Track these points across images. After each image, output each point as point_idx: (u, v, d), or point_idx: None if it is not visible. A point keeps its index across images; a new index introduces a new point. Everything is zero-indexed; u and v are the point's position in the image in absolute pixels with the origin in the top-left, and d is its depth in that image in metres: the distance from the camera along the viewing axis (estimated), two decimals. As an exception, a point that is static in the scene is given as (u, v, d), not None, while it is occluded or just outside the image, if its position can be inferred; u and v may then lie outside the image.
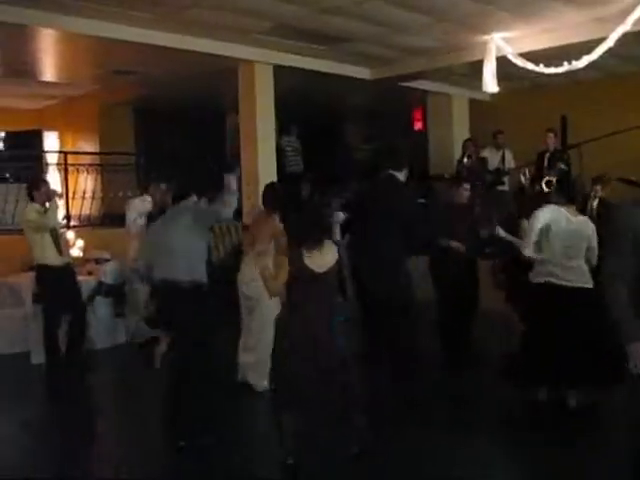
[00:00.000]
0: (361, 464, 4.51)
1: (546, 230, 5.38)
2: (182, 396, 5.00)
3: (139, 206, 7.87)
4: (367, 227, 5.96)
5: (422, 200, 10.51)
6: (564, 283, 5.33)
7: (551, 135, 10.28)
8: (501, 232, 6.31)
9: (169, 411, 5.07)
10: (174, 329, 5.44)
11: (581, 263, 5.40)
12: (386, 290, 5.76)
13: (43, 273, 7.06)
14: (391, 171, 6.13)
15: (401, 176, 6.15)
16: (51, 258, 6.99)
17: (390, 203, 5.92)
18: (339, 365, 4.48)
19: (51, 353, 7.08)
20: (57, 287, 7.02)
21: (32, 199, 7.04)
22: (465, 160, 10.81)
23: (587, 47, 8.18)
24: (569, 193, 5.54)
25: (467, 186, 7.11)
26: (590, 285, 5.35)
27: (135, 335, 8.03)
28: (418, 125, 14.12)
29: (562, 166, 9.78)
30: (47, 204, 7.01)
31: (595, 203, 7.89)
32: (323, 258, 4.42)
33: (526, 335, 5.58)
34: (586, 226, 5.47)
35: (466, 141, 11.25)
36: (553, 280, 5.35)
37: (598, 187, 8.02)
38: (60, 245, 7.09)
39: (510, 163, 11.19)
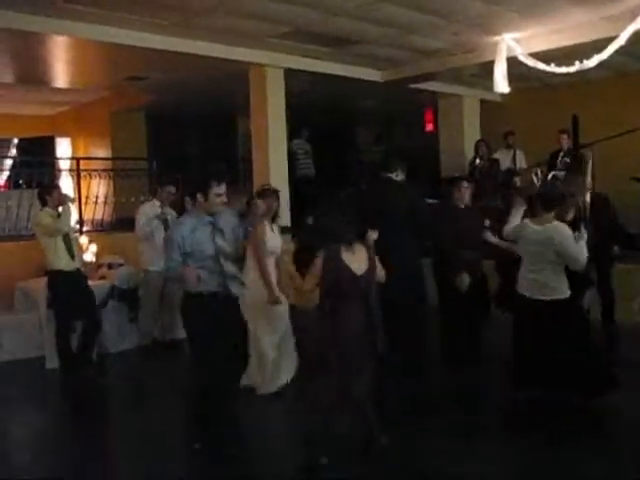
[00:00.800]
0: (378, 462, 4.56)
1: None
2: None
3: (148, 211, 7.93)
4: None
5: (432, 201, 10.56)
6: (536, 297, 5.37)
7: (564, 136, 10.23)
8: (490, 237, 6.36)
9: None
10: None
11: (545, 274, 5.34)
12: (401, 289, 5.76)
13: (56, 278, 7.09)
14: (387, 174, 6.31)
15: (396, 177, 6.31)
16: (64, 263, 7.03)
17: (390, 202, 6.10)
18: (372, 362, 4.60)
19: (64, 358, 7.12)
20: (70, 292, 7.06)
21: (44, 204, 7.09)
22: (477, 162, 10.78)
23: (598, 46, 8.17)
24: (546, 201, 5.46)
25: (466, 184, 6.80)
26: (560, 296, 5.32)
27: (158, 336, 8.07)
28: (429, 126, 14.12)
29: (567, 160, 9.75)
30: (60, 209, 7.06)
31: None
32: (357, 259, 4.50)
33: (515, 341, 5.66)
34: (553, 233, 5.31)
35: (478, 142, 11.22)
36: (527, 294, 5.43)
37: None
38: (73, 250, 7.12)
39: (522, 163, 11.16)
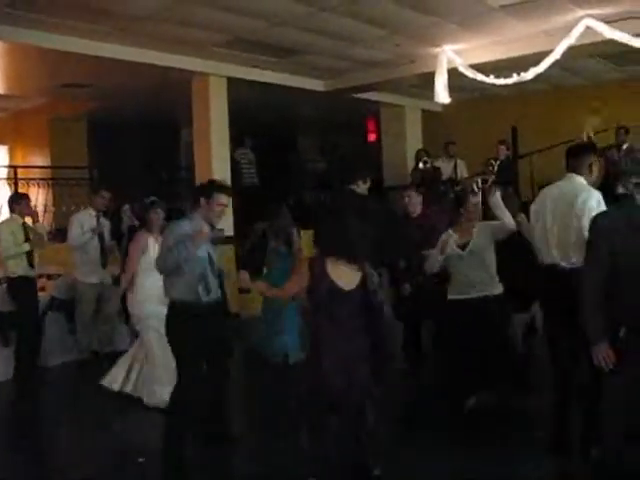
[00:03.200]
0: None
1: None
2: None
3: (82, 220, 7.79)
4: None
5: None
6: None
7: (502, 147, 10.44)
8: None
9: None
10: None
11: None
12: None
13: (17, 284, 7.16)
14: (350, 186, 6.22)
15: (359, 189, 6.24)
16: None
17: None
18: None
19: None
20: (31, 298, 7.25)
21: (12, 211, 7.27)
22: (420, 165, 10.80)
23: (535, 59, 8.38)
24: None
25: (410, 193, 6.85)
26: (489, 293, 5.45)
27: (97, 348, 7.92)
28: (371, 136, 14.23)
29: (492, 162, 9.91)
30: (26, 218, 7.28)
31: None
32: (347, 274, 4.15)
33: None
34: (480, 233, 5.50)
35: (419, 151, 11.34)
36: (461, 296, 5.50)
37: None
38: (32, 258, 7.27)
39: (463, 173, 11.33)
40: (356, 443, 4.23)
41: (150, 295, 6.00)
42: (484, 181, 8.57)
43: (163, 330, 5.06)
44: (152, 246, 6.12)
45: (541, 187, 5.33)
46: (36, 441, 5.74)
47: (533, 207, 4.71)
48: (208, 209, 4.85)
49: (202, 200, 4.86)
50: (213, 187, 4.96)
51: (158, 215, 6.31)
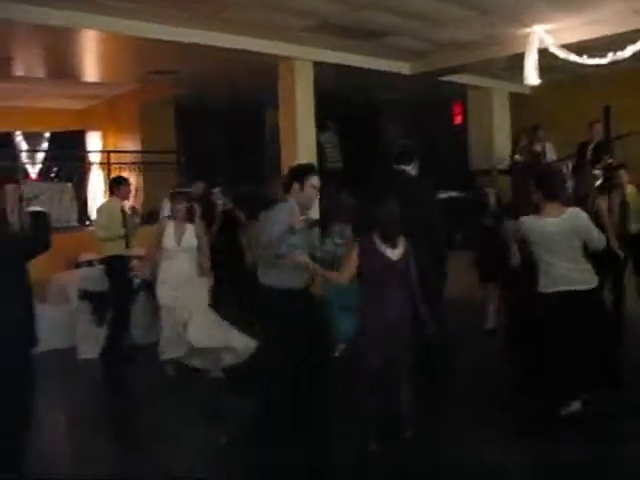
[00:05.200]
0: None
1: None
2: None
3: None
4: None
5: (462, 194, 10.49)
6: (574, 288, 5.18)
7: (598, 126, 10.10)
8: None
9: None
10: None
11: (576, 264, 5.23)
12: None
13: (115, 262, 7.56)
14: (401, 166, 6.09)
15: (412, 170, 6.11)
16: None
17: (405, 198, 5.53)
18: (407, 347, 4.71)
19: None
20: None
21: (112, 193, 7.83)
22: (517, 157, 10.59)
23: (631, 37, 8.08)
24: (550, 189, 5.32)
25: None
26: (588, 286, 5.20)
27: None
28: (458, 119, 14.03)
29: (609, 161, 9.52)
30: (125, 202, 7.75)
31: (629, 189, 7.64)
32: (392, 246, 4.65)
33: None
34: (575, 220, 5.24)
35: (520, 134, 11.09)
36: (564, 287, 5.18)
37: (622, 172, 7.72)
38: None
39: (552, 156, 11.04)
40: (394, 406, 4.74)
41: (165, 279, 6.76)
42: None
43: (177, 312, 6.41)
44: (170, 234, 6.75)
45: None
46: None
47: None
48: (301, 193, 4.84)
49: (295, 185, 4.85)
50: (305, 170, 4.95)
51: (182, 206, 6.85)
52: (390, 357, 4.63)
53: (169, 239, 6.77)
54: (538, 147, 11.00)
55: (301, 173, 4.91)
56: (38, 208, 4.44)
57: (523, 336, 5.97)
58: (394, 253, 4.60)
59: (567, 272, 5.17)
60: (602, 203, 7.05)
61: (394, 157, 6.20)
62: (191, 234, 6.86)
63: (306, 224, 4.89)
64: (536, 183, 5.40)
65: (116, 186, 7.74)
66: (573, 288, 5.14)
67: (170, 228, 6.80)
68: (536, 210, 5.34)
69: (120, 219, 7.46)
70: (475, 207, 8.51)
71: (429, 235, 5.79)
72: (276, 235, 4.62)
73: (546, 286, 5.23)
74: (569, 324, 5.08)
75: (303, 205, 4.88)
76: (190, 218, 6.95)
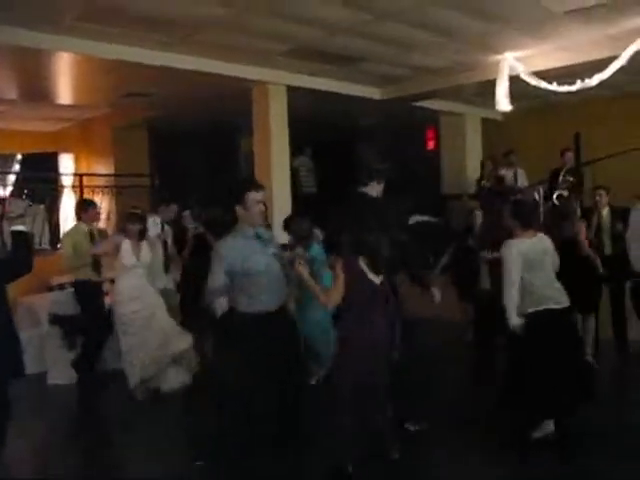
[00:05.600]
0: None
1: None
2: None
3: (149, 226, 7.95)
4: None
5: (433, 219, 10.54)
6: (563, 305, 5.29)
7: (570, 154, 10.27)
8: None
9: None
10: None
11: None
12: None
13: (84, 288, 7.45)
14: (361, 187, 5.78)
15: (371, 191, 5.77)
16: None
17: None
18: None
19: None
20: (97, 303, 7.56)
21: (79, 219, 7.64)
22: (483, 182, 10.70)
23: (599, 65, 8.21)
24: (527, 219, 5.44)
25: None
26: (566, 304, 5.30)
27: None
28: (430, 144, 14.16)
29: (570, 178, 9.79)
30: (93, 224, 7.67)
31: (605, 212, 7.90)
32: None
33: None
34: (546, 242, 5.43)
35: (485, 160, 11.22)
36: (554, 306, 5.25)
37: (602, 192, 7.95)
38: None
39: (523, 182, 11.16)
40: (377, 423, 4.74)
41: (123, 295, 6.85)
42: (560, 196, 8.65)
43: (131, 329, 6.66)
44: (128, 250, 6.87)
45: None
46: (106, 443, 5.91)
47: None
48: (246, 214, 4.57)
49: (237, 208, 4.57)
50: (240, 187, 4.62)
51: (134, 227, 6.97)
52: (373, 377, 4.62)
53: (128, 255, 6.88)
54: (509, 172, 11.12)
55: (236, 192, 4.60)
56: (21, 227, 4.34)
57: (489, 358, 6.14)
58: (377, 278, 4.64)
59: (551, 291, 5.28)
60: (582, 226, 7.28)
61: (356, 179, 6.19)
62: (146, 250, 7.06)
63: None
64: (513, 214, 5.49)
65: (83, 209, 7.63)
66: (558, 307, 5.23)
67: (126, 245, 6.90)
68: (510, 235, 5.42)
69: (88, 244, 7.35)
70: (453, 230, 8.67)
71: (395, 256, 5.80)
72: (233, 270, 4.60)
73: (530, 305, 5.26)
74: (551, 342, 5.15)
75: (254, 225, 4.63)
76: (141, 237, 7.08)
